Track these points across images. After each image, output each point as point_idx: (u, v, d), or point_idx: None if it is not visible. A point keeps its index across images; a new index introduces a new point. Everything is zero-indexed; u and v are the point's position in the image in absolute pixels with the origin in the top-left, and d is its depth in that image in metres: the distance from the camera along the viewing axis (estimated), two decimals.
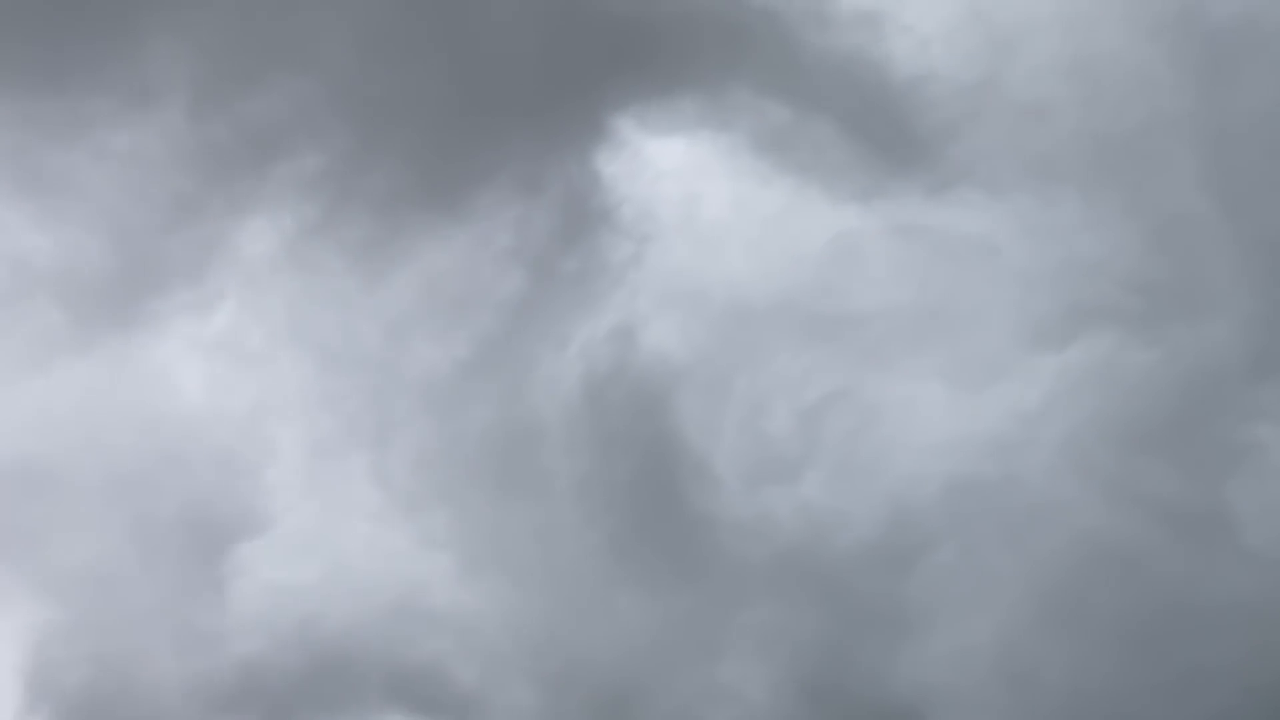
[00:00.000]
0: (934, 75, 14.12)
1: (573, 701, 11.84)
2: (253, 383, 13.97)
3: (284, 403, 13.70)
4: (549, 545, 12.77)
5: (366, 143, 14.66)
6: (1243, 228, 12.31)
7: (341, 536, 12.79)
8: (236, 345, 14.10)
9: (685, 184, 15.24)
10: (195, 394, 13.88)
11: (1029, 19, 14.24)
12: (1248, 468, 11.79)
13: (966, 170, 13.65)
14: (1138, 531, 11.72)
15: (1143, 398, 12.28)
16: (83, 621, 12.97)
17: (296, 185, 14.29)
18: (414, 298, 14.39)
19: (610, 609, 12.19)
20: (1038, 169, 13.46)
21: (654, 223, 14.76)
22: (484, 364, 14.17)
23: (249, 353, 14.14)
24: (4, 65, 14.31)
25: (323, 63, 14.45)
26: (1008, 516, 12.54)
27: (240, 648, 12.70)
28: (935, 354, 13.29)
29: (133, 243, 14.24)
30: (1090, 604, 11.89)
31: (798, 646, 11.71)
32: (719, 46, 14.64)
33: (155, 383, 13.77)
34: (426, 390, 13.94)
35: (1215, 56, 13.01)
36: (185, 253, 14.38)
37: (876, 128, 14.41)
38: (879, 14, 14.47)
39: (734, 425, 13.64)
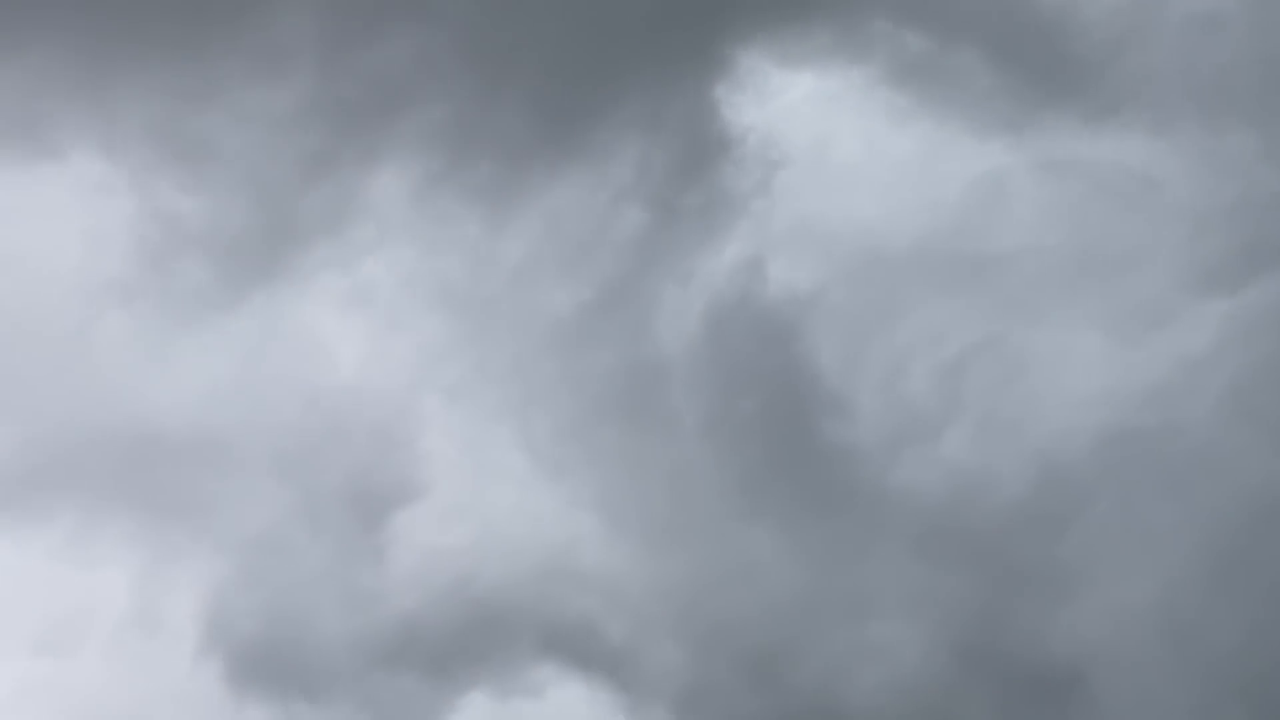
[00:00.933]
0: None
1: (721, 660, 11.97)
2: (396, 339, 14.31)
3: (426, 358, 13.98)
4: (684, 487, 12.80)
5: (487, 88, 14.59)
6: None
7: (491, 501, 13.14)
8: (375, 298, 14.42)
9: (815, 119, 14.72)
10: (346, 356, 14.31)
11: None
12: None
13: (1128, 96, 12.64)
14: None
15: None
16: (254, 579, 13.75)
17: (422, 135, 14.44)
18: (539, 240, 14.48)
19: (754, 566, 12.19)
20: (1208, 93, 12.43)
21: (780, 154, 14.31)
22: (609, 303, 14.18)
23: (388, 306, 14.47)
24: (145, 39, 14.65)
25: (442, 11, 14.37)
26: (1169, 468, 11.95)
27: (399, 605, 13.26)
28: (1090, 300, 12.62)
29: (272, 200, 14.62)
30: (1259, 559, 11.30)
31: (949, 607, 11.52)
32: None
33: (305, 341, 14.27)
34: (554, 332, 14.07)
35: None
36: (322, 207, 14.69)
37: (1026, 53, 13.43)
38: None
39: (870, 369, 13.33)
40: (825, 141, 14.71)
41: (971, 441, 12.37)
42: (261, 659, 13.57)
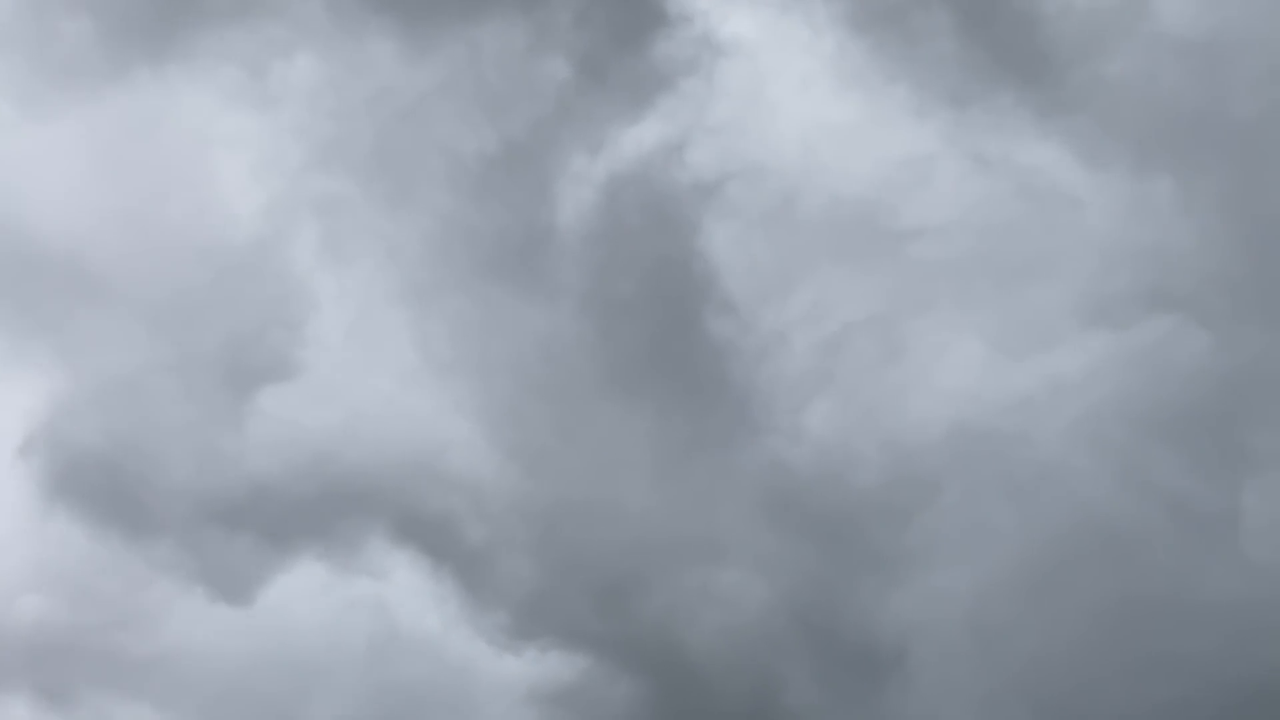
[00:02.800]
0: None
1: (571, 581, 12.33)
2: (286, 150, 13.52)
3: (313, 177, 13.36)
4: (557, 362, 12.80)
5: None
6: None
7: (368, 393, 12.83)
8: (274, 103, 13.45)
9: (766, 27, 14.13)
10: (234, 166, 13.34)
11: None
12: (1267, 477, 11.94)
13: (1081, 102, 12.57)
14: (1141, 518, 11.98)
15: (1181, 390, 12.21)
16: (101, 409, 13.27)
17: None
18: (455, 74, 13.73)
19: (617, 501, 12.45)
20: (1151, 129, 12.55)
21: (723, 45, 13.75)
22: (513, 158, 13.66)
23: (286, 114, 13.52)
24: None
25: None
26: (1013, 476, 12.72)
27: (252, 471, 13.05)
28: (983, 303, 12.93)
29: None
30: (1073, 577, 12.33)
31: (794, 572, 12.15)
32: None
33: (191, 137, 13.37)
34: (452, 176, 13.52)
35: None
36: None
37: (996, 30, 12.89)
38: None
39: (761, 298, 13.42)
40: (768, 65, 14.21)
41: (836, 418, 12.77)
42: (86, 482, 13.21)
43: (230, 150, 13.18)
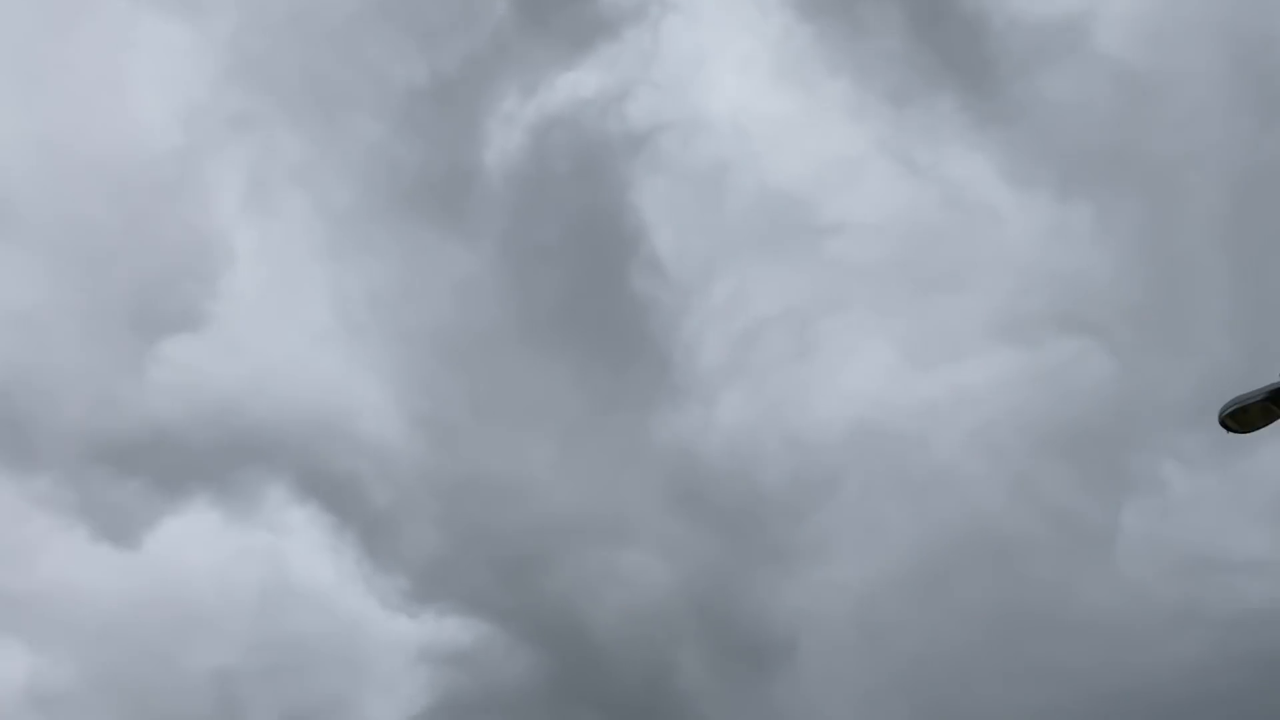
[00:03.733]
0: None
1: (475, 552, 12.33)
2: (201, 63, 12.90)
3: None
4: (471, 307, 12.61)
5: None
6: (1240, 285, 12.32)
7: (280, 350, 12.45)
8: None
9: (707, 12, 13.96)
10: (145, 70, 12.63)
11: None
12: (1147, 500, 12.62)
13: (1020, 115, 12.69)
14: (1027, 528, 12.56)
15: (1078, 411, 12.73)
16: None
17: None
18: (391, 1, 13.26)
19: (527, 479, 12.43)
20: (1083, 154, 12.80)
21: (669, 7, 13.52)
22: (442, 92, 13.24)
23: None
24: None
25: None
26: (908, 478, 13.16)
27: (151, 414, 12.59)
28: (897, 309, 13.21)
29: None
30: (961, 581, 12.88)
31: (695, 560, 12.38)
32: None
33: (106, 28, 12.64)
34: (377, 107, 13.09)
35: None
36: None
37: (947, 31, 12.95)
38: None
39: (688, 267, 13.41)
40: (710, 39, 13.99)
41: (745, 410, 12.96)
42: None
43: (148, 57, 12.40)
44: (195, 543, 13.10)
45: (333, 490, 12.15)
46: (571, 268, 12.67)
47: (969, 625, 12.62)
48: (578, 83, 13.02)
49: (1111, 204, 12.11)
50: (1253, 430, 3.69)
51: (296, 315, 11.54)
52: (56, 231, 11.55)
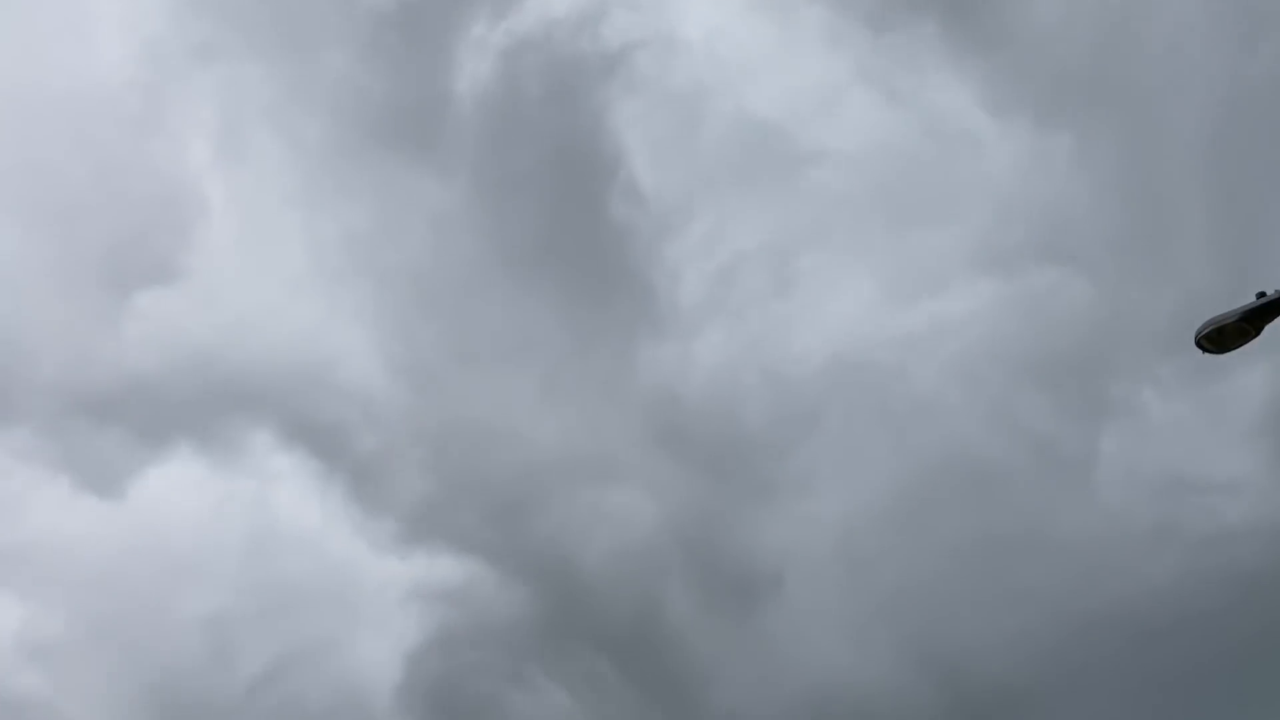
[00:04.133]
0: None
1: (463, 496, 12.37)
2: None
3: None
4: (446, 242, 12.47)
5: None
6: (1219, 213, 12.33)
7: (257, 299, 12.33)
8: None
9: None
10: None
11: None
12: (1125, 425, 12.75)
13: (1004, 41, 12.48)
14: (1006, 457, 12.69)
15: (1057, 338, 12.80)
16: None
17: None
18: None
19: (511, 421, 12.43)
20: (1063, 83, 12.66)
21: None
22: (410, 17, 12.97)
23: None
24: None
25: None
26: (889, 410, 13.23)
27: (129, 366, 12.52)
28: (877, 241, 13.16)
29: None
30: (942, 512, 13.02)
31: (681, 498, 12.46)
32: None
33: None
34: (347, 38, 12.84)
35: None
36: None
37: None
38: None
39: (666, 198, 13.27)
40: None
41: (725, 348, 12.95)
42: None
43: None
44: (180, 491, 13.07)
45: (317, 437, 12.13)
46: (548, 197, 12.52)
47: (949, 554, 12.80)
48: (548, 2, 12.65)
49: (1091, 132, 12.07)
50: (1228, 350, 3.72)
51: (272, 263, 11.45)
52: (21, 181, 11.33)
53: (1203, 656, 10.84)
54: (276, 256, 11.60)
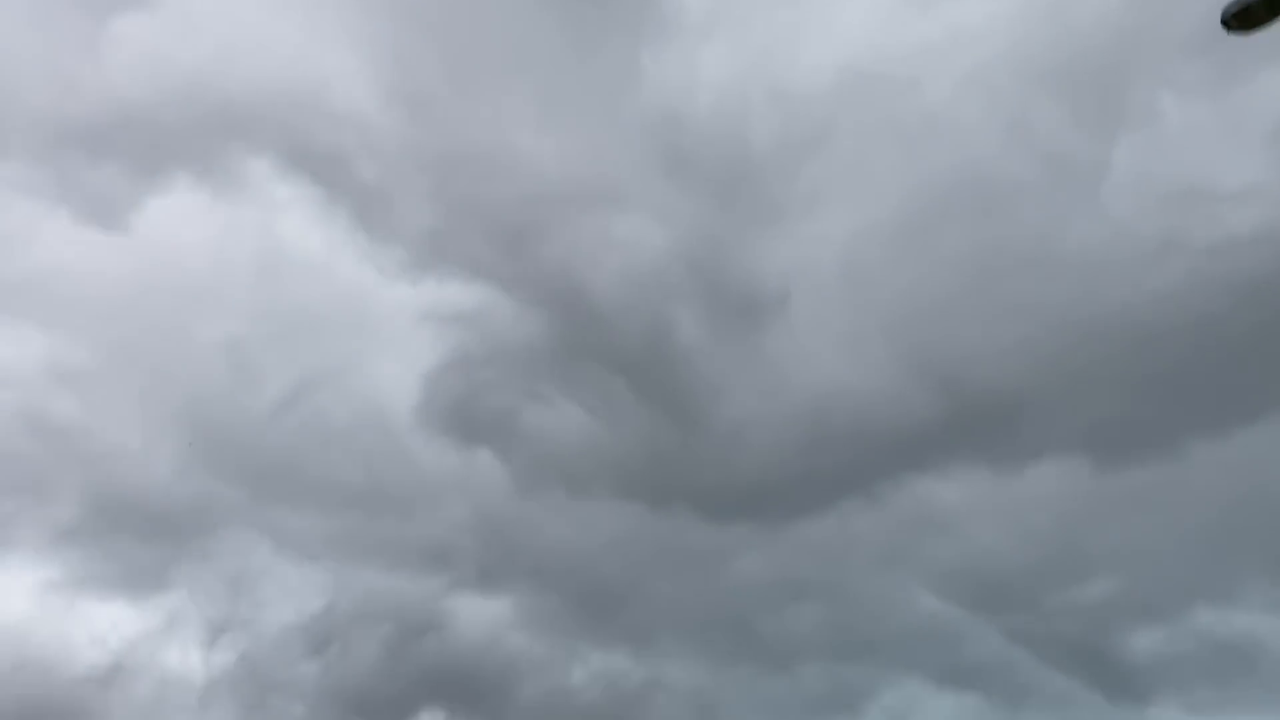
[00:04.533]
0: None
1: (469, 221, 12.27)
2: None
3: None
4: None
5: None
6: None
7: (241, 19, 11.71)
8: None
9: None
10: None
11: None
12: (1140, 134, 12.48)
13: None
14: (1018, 170, 12.50)
15: (1077, 44, 12.29)
16: None
17: None
18: None
19: (511, 145, 12.11)
20: None
21: None
22: None
23: None
24: None
25: None
26: (902, 123, 12.87)
27: (116, 95, 12.18)
28: None
29: None
30: (949, 226, 12.88)
31: (687, 222, 12.32)
32: None
33: None
34: None
35: None
36: None
37: None
38: None
39: None
40: None
41: (731, 61, 12.41)
42: None
43: None
44: (184, 222, 13.01)
45: (318, 164, 11.94)
46: None
47: (954, 270, 12.83)
48: None
49: None
50: (1256, 29, 3.52)
51: None
52: None
53: (1202, 359, 11.05)
54: None
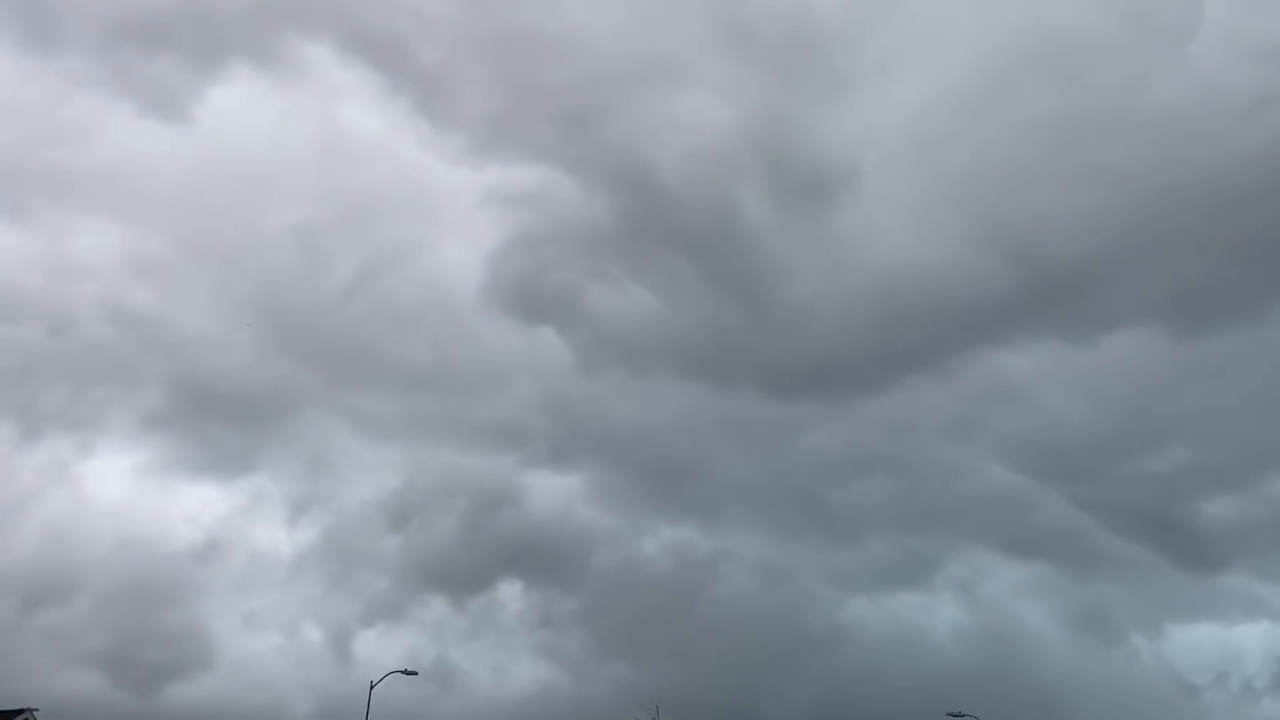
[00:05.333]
0: None
1: (530, 107, 12.13)
2: None
3: None
4: None
5: None
6: None
7: None
8: None
9: None
10: None
11: None
12: None
13: None
14: (1099, 29, 11.87)
15: None
16: None
17: None
18: None
19: (573, 30, 11.81)
20: None
21: None
22: None
23: None
24: None
25: None
26: None
27: None
28: None
29: None
30: (1022, 90, 12.27)
31: (750, 98, 11.99)
32: None
33: None
34: None
35: None
36: None
37: None
38: None
39: None
40: None
41: None
42: None
43: None
44: (246, 111, 13.04)
45: (377, 50, 11.80)
46: None
47: (1028, 135, 12.36)
48: None
49: None
50: None
51: None
52: None
53: None
54: None
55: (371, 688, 19.62)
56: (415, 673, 20.77)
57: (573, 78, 11.51)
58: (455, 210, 12.63)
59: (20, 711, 18.45)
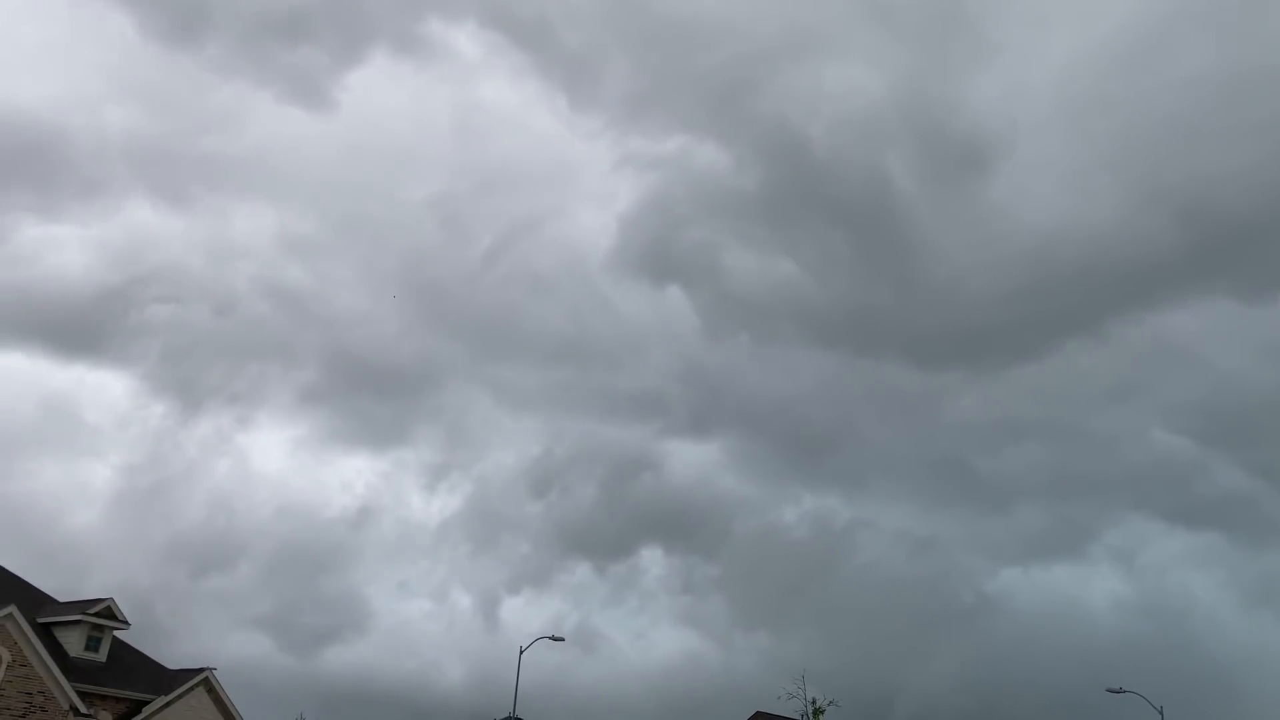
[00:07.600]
0: None
1: (677, 84, 12.07)
2: None
3: None
4: None
5: None
6: None
7: None
8: None
9: None
10: None
11: None
12: None
13: None
14: None
15: None
16: None
17: None
18: None
19: (719, 6, 11.68)
20: None
21: None
22: None
23: None
24: None
25: None
26: None
27: None
28: None
29: None
30: (1178, 45, 11.61)
31: (896, 68, 11.63)
32: None
33: None
34: None
35: None
36: None
37: None
38: None
39: None
40: None
41: None
42: None
43: None
44: (388, 95, 13.59)
45: (522, 30, 12.02)
46: None
47: (1190, 89, 11.71)
48: None
49: None
50: None
51: None
52: None
53: None
54: None
55: (521, 653, 20.19)
56: (563, 639, 21.31)
57: (719, 58, 11.48)
58: (591, 176, 12.76)
59: (200, 670, 19.73)
